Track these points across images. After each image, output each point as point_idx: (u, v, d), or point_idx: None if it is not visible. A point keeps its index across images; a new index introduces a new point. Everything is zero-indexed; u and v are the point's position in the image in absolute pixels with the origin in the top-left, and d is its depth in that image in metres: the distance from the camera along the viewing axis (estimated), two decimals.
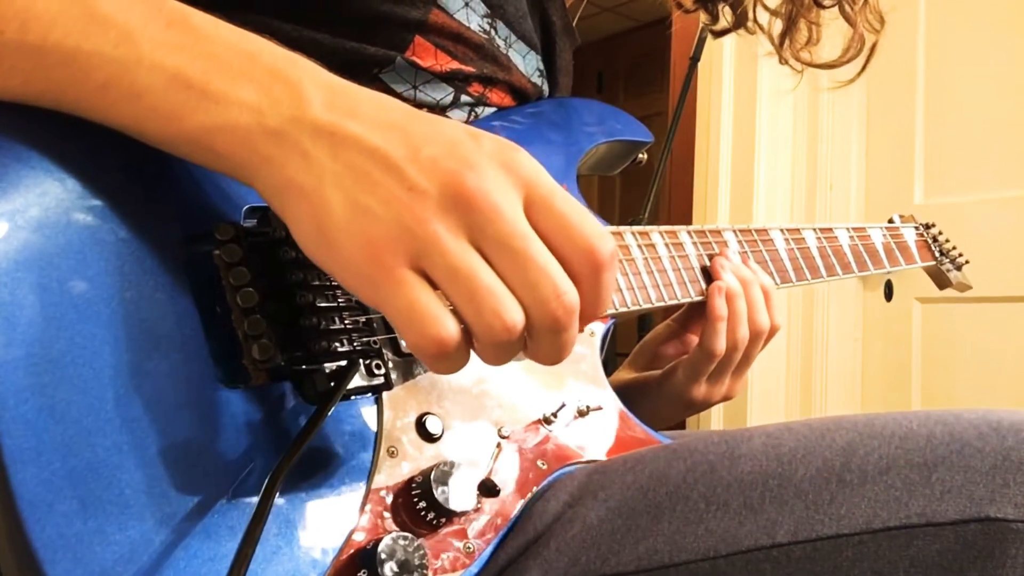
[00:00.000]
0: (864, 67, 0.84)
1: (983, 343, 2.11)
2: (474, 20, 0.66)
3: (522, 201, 0.40)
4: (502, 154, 0.40)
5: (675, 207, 2.52)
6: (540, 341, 0.40)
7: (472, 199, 0.38)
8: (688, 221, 2.42)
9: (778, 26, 0.85)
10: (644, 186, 1.99)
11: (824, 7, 0.83)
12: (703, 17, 0.89)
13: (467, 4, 0.66)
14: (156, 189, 0.42)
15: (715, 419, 2.29)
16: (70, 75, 0.38)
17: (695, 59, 2.00)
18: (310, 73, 0.41)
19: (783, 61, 0.85)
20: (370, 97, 0.41)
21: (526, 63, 0.73)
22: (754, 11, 0.85)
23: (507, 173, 0.39)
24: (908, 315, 2.26)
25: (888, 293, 2.30)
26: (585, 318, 0.40)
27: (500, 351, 0.39)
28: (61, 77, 0.38)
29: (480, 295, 0.38)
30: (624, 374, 0.83)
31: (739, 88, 2.35)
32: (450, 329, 0.38)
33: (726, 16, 0.88)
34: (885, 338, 2.31)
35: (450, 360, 0.39)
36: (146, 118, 0.39)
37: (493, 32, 0.69)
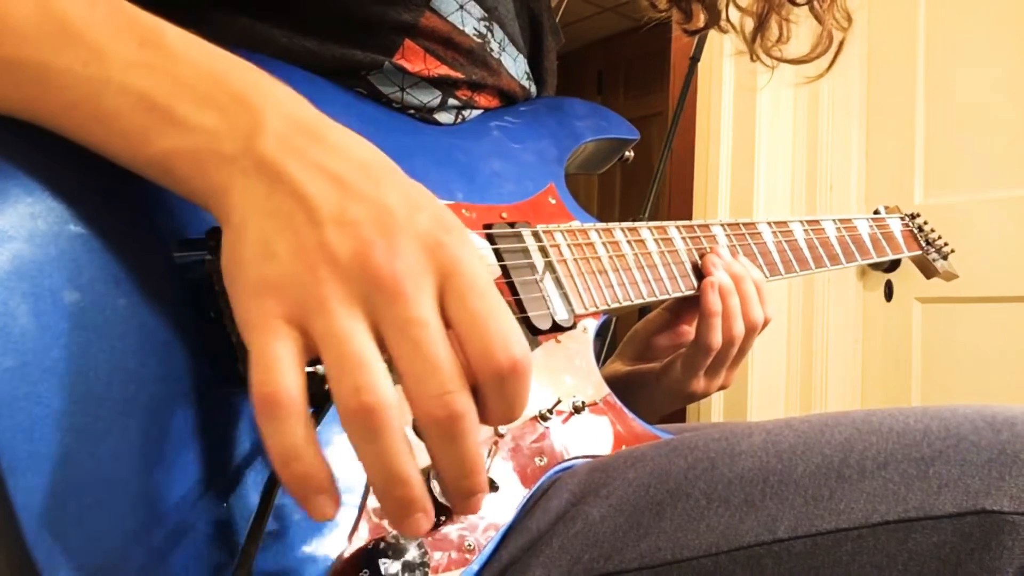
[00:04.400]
0: (832, 63, 0.86)
1: (983, 343, 2.11)
2: (470, 23, 0.66)
3: (435, 288, 0.37)
4: (432, 235, 0.38)
5: (675, 207, 2.52)
6: (429, 443, 0.37)
7: (376, 275, 0.36)
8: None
9: (749, 24, 0.86)
10: (644, 186, 1.99)
11: (797, 4, 0.84)
12: (676, 15, 0.91)
13: (462, 7, 0.66)
14: (147, 195, 0.42)
15: (715, 419, 2.29)
16: (40, 92, 0.37)
17: (695, 59, 2.01)
18: (276, 102, 0.39)
19: (754, 58, 0.87)
20: (331, 141, 0.40)
21: (516, 66, 0.73)
22: (726, 10, 0.86)
23: (427, 256, 0.37)
24: (908, 315, 2.26)
25: (888, 293, 2.30)
26: (493, 422, 0.39)
27: (359, 431, 0.35)
28: (32, 94, 0.37)
29: (346, 361, 0.35)
30: (618, 366, 0.83)
31: (739, 88, 2.36)
32: (283, 384, 0.35)
33: (699, 15, 0.89)
34: (885, 338, 2.31)
35: (278, 422, 0.35)
36: (112, 140, 0.38)
37: (489, 35, 0.69)
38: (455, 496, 0.39)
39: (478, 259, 0.39)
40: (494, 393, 0.38)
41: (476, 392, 0.38)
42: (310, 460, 0.35)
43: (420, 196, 0.40)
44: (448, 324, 0.37)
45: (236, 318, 0.37)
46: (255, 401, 0.35)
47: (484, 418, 0.38)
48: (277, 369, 0.35)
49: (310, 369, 0.44)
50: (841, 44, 0.85)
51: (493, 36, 0.69)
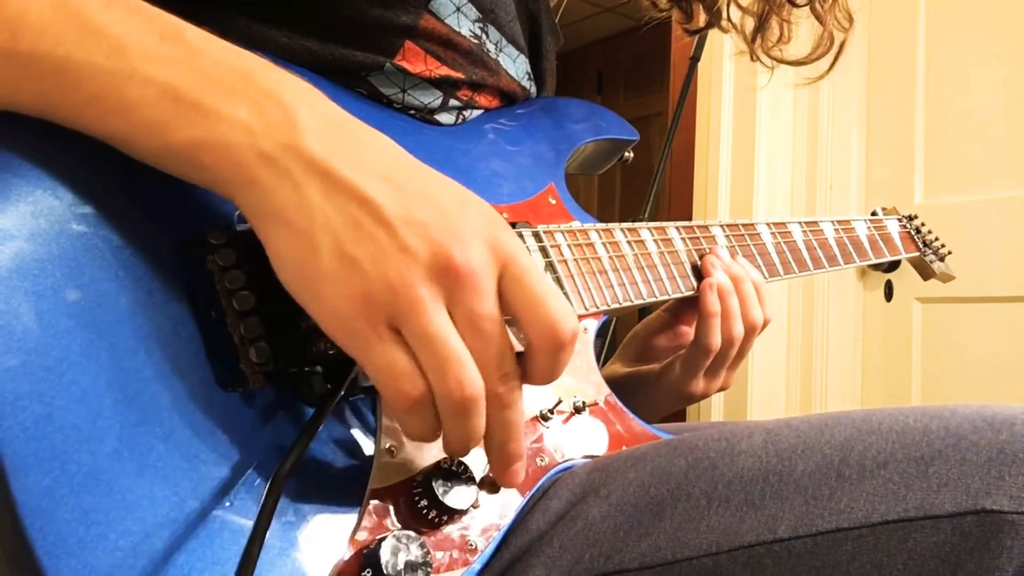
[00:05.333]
0: (833, 64, 0.86)
1: (983, 343, 2.11)
2: (465, 25, 0.67)
3: (497, 276, 0.41)
4: (487, 229, 0.42)
5: (675, 207, 2.52)
6: (488, 410, 0.42)
7: (459, 274, 0.39)
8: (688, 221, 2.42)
9: (750, 24, 0.86)
10: (644, 186, 1.99)
11: (797, 5, 0.84)
12: (677, 15, 0.91)
13: (458, 9, 0.66)
14: (148, 195, 0.42)
15: (715, 419, 2.29)
16: (60, 85, 0.37)
17: (695, 59, 2.01)
18: (306, 100, 0.40)
19: (754, 58, 0.87)
20: (365, 140, 0.41)
21: (516, 67, 0.73)
22: (727, 9, 0.86)
23: (490, 250, 0.41)
24: (908, 315, 2.26)
25: (888, 293, 2.31)
26: (536, 383, 0.44)
27: (456, 414, 0.41)
28: (51, 87, 0.37)
29: (449, 363, 0.40)
30: (618, 367, 0.83)
31: (739, 88, 2.36)
32: (422, 388, 0.40)
33: (700, 15, 0.89)
34: (885, 338, 2.31)
35: (420, 417, 0.41)
36: (134, 132, 0.39)
37: (484, 36, 0.69)
38: (498, 459, 0.45)
39: (523, 246, 0.43)
40: (547, 360, 0.43)
41: (521, 357, 0.43)
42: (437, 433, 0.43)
43: (461, 192, 0.43)
44: (504, 306, 0.42)
45: (331, 328, 0.39)
46: (399, 407, 0.40)
47: (531, 380, 0.44)
48: (412, 376, 0.40)
49: (312, 369, 0.44)
50: (842, 45, 0.85)
51: (488, 37, 0.69)
